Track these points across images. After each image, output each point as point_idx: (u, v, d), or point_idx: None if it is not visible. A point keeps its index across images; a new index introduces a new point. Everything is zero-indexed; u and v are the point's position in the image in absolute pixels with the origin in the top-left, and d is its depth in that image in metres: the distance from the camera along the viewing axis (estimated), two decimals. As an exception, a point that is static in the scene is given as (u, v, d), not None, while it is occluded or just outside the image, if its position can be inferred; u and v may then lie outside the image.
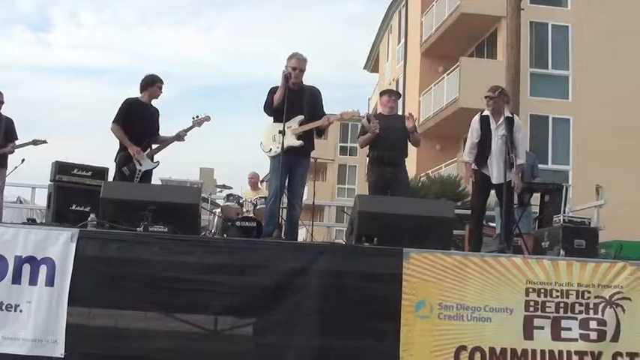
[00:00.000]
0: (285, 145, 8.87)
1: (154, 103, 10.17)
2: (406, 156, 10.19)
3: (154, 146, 10.03)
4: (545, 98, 23.97)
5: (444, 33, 27.20)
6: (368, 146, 10.24)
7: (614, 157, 22.13)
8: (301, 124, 9.20)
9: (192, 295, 7.09)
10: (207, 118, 10.12)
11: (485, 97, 9.79)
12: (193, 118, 10.08)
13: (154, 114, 10.20)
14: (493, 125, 9.71)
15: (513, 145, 9.49)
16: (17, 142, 11.06)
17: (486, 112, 9.87)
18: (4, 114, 11.06)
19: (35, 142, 11.14)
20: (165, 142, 10.11)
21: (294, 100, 9.08)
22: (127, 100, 9.95)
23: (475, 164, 9.90)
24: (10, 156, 11.15)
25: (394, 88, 28.95)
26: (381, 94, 10.69)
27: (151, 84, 10.07)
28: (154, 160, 10.01)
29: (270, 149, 9.20)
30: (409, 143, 10.19)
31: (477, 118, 9.94)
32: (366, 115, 10.14)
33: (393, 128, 9.94)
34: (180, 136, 10.10)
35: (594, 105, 23.12)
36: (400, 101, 17.87)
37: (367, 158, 10.38)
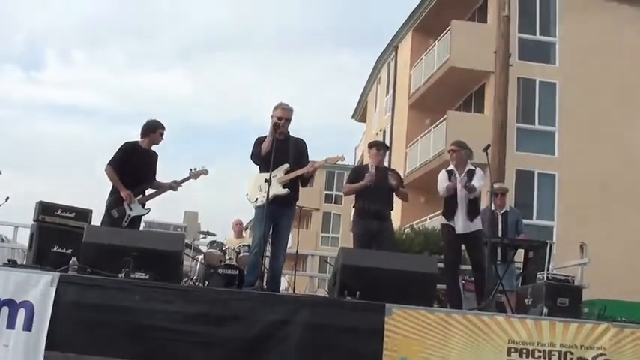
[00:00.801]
0: (271, 194, 8.87)
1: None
2: (392, 209, 10.20)
3: (148, 192, 10.00)
4: (531, 154, 24.02)
5: (432, 85, 27.32)
6: (354, 197, 10.26)
7: (598, 214, 22.14)
8: (287, 172, 9.19)
9: (171, 344, 7.01)
10: (205, 172, 10.14)
11: (449, 152, 10.17)
12: (191, 170, 10.14)
13: (152, 159, 10.18)
14: (458, 178, 10.04)
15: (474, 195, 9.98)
16: None
17: (451, 167, 10.28)
18: None
19: None
20: (158, 191, 10.11)
21: (279, 149, 9.08)
22: (126, 144, 9.97)
23: (444, 218, 10.08)
24: None
25: (381, 139, 29.14)
26: (370, 146, 10.68)
27: (153, 130, 10.07)
28: (145, 207, 9.96)
29: (257, 199, 9.18)
30: (395, 196, 10.21)
31: (443, 172, 10.38)
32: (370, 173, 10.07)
33: (381, 181, 9.93)
34: (173, 187, 10.12)
35: (580, 161, 23.18)
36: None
37: (353, 209, 10.39)
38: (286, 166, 9.22)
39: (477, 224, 9.98)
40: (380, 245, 9.61)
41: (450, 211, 10.02)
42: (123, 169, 9.78)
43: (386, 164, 10.84)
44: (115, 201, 9.75)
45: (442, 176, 10.23)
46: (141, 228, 10.47)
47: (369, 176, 9.89)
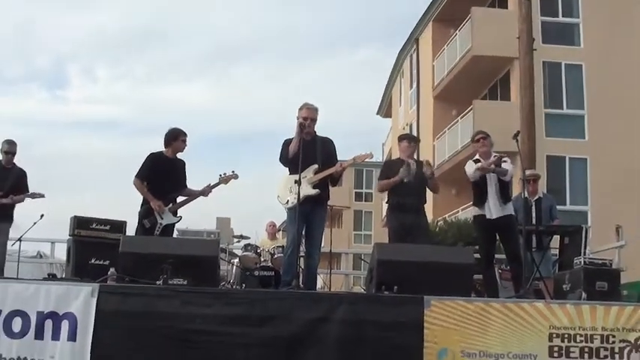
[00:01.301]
0: (302, 195, 8.88)
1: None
2: (425, 202, 10.18)
3: (179, 200, 10.09)
4: (561, 139, 23.83)
5: (456, 76, 27.22)
6: (387, 192, 10.25)
7: (632, 195, 21.96)
8: (316, 172, 9.21)
9: (212, 347, 7.06)
10: (235, 176, 10.14)
11: (477, 140, 10.14)
12: (220, 175, 10.12)
13: (179, 167, 10.21)
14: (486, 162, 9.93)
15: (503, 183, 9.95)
16: (16, 196, 10.85)
17: (476, 157, 10.19)
18: (18, 165, 11.08)
19: (32, 196, 10.97)
20: (189, 198, 10.15)
21: (307, 149, 9.09)
22: (151, 154, 10.02)
23: (475, 207, 10.04)
24: (20, 211, 11.13)
25: (409, 133, 29.01)
26: (400, 139, 10.62)
27: (175, 138, 10.08)
28: (177, 215, 10.03)
29: (288, 201, 9.20)
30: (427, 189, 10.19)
31: (470, 162, 10.24)
32: (410, 163, 10.03)
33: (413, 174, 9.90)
34: (204, 192, 10.15)
35: (611, 143, 22.98)
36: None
37: (386, 205, 10.38)
38: (315, 166, 9.22)
39: (509, 209, 9.92)
40: (415, 239, 9.59)
41: (480, 199, 9.96)
42: (150, 180, 9.85)
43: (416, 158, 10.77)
44: (145, 211, 9.81)
45: (469, 163, 10.17)
46: (174, 236, 10.54)
47: (405, 171, 9.84)
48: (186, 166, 10.27)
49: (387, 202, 10.32)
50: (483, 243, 10.12)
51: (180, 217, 10.08)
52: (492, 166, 9.78)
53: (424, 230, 10.08)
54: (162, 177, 9.88)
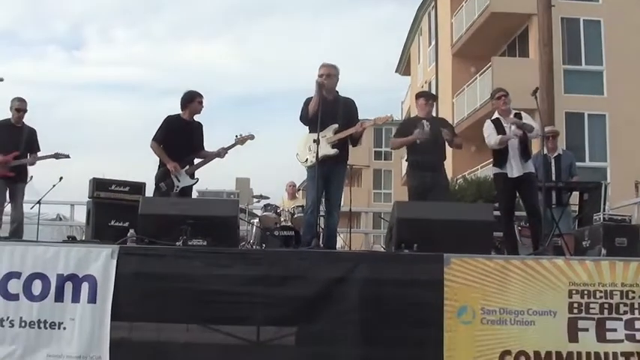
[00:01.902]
0: (321, 155, 8.87)
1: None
2: (445, 159, 10.15)
3: (195, 162, 10.09)
4: (580, 95, 23.74)
5: (474, 33, 27.09)
6: (407, 150, 10.23)
7: (652, 151, 21.86)
8: (336, 132, 9.18)
9: (233, 307, 7.09)
10: (251, 137, 10.10)
11: (498, 98, 10.07)
12: (236, 136, 10.07)
13: (196, 129, 10.20)
14: (505, 124, 9.83)
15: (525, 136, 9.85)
16: (39, 154, 10.89)
17: (496, 116, 10.05)
18: (27, 124, 10.94)
19: (57, 156, 10.85)
20: (205, 159, 10.15)
21: (328, 109, 9.05)
22: (167, 117, 10.02)
23: (496, 167, 9.99)
24: (38, 173, 11.15)
25: (426, 90, 28.91)
26: (417, 96, 10.56)
27: (191, 100, 10.06)
28: (194, 177, 10.04)
29: (307, 159, 9.20)
30: (447, 146, 10.14)
31: (488, 122, 10.16)
32: (424, 124, 9.97)
33: (432, 132, 9.83)
34: (220, 154, 10.11)
35: (630, 99, 22.86)
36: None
37: (406, 162, 10.36)
38: (335, 126, 9.20)
39: (530, 166, 9.88)
40: (435, 197, 9.57)
41: (501, 158, 9.89)
42: (167, 143, 9.85)
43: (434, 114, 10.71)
44: (162, 174, 9.83)
45: (489, 126, 10.06)
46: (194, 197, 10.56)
47: (420, 133, 9.78)
48: (204, 128, 10.26)
49: (406, 160, 10.30)
50: (503, 200, 10.08)
51: (197, 179, 10.08)
52: (516, 130, 9.72)
53: (444, 188, 10.06)
54: (179, 139, 9.87)
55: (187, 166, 9.94)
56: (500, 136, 9.81)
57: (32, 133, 10.89)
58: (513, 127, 9.78)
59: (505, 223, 10.00)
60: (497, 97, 10.13)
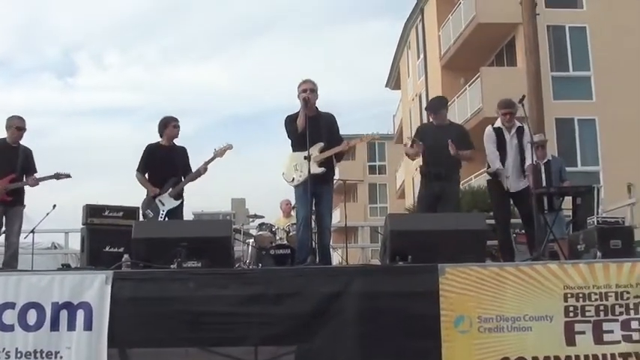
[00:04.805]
0: (308, 174, 8.92)
1: (182, 141, 10.41)
2: (459, 166, 10.18)
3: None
4: (569, 101, 23.89)
5: (462, 44, 27.26)
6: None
7: (642, 152, 21.95)
8: (321, 151, 9.20)
9: (230, 327, 7.08)
10: (229, 147, 10.25)
11: (505, 114, 9.95)
12: (215, 149, 10.23)
13: (178, 154, 10.37)
14: (507, 136, 9.82)
15: (524, 154, 9.90)
16: (38, 176, 10.40)
17: (498, 124, 10.03)
18: (22, 144, 10.46)
19: (58, 176, 10.42)
20: (187, 179, 10.29)
21: (312, 126, 9.06)
22: (147, 146, 10.30)
23: (491, 175, 10.01)
24: (31, 202, 10.89)
25: (417, 104, 29.01)
26: (426, 108, 10.88)
27: (165, 126, 10.31)
28: (179, 198, 10.19)
29: (293, 179, 9.24)
30: None
31: (489, 129, 10.14)
32: (410, 140, 10.00)
33: (442, 141, 9.80)
34: (200, 171, 10.28)
35: (619, 102, 22.98)
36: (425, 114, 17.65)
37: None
38: (321, 144, 9.22)
39: (527, 181, 9.89)
40: (443, 207, 9.62)
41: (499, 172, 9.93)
42: (150, 171, 10.19)
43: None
44: (147, 202, 10.12)
45: (490, 135, 10.09)
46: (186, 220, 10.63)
47: (414, 149, 10.00)
48: (196, 149, 10.52)
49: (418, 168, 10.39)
50: (499, 208, 10.10)
51: (182, 200, 10.25)
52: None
53: (451, 198, 10.03)
54: (160, 166, 10.16)
55: (170, 189, 10.10)
56: (497, 167, 9.94)
57: (28, 154, 10.45)
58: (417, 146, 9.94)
59: (501, 231, 10.02)
60: (503, 114, 10.11)
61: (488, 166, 10.18)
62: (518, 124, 10.04)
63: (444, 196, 9.85)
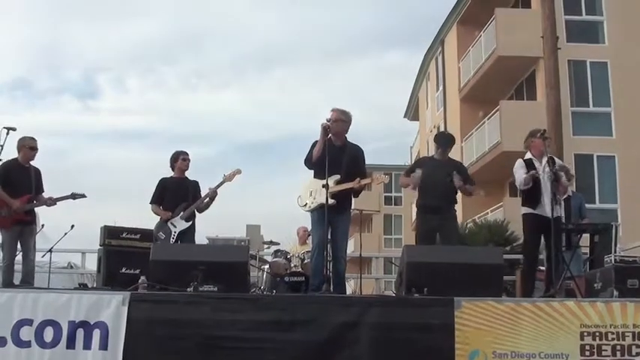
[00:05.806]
0: (319, 202, 8.99)
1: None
2: (455, 202, 10.12)
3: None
4: (589, 137, 23.73)
5: (481, 77, 27.17)
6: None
7: (662, 192, 21.81)
8: (337, 183, 9.19)
9: (244, 353, 7.08)
10: (238, 171, 10.65)
11: (544, 139, 9.82)
12: (224, 174, 10.63)
13: (187, 184, 10.76)
14: (539, 166, 9.71)
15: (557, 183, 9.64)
16: (56, 196, 10.40)
17: (528, 156, 9.89)
18: (32, 164, 10.46)
19: (74, 196, 10.44)
20: (197, 202, 10.60)
21: (334, 156, 9.05)
22: (160, 180, 10.75)
23: (526, 206, 9.87)
24: (49, 222, 10.96)
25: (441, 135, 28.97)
26: (435, 139, 10.86)
27: (175, 160, 10.75)
28: (189, 220, 10.52)
29: (306, 204, 9.26)
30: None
31: (520, 161, 9.93)
32: (386, 177, 10.02)
33: (441, 176, 9.84)
34: (209, 195, 10.64)
35: (638, 140, 22.86)
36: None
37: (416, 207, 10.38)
38: (337, 177, 9.17)
39: (560, 210, 9.78)
40: (443, 239, 9.58)
41: (533, 199, 9.75)
42: (165, 202, 10.57)
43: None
44: (159, 225, 10.46)
45: (520, 165, 9.91)
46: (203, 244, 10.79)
47: (412, 179, 9.99)
48: (199, 185, 10.85)
49: (415, 204, 10.31)
50: (531, 242, 9.96)
51: (193, 222, 10.59)
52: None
53: (451, 231, 10.03)
54: (172, 198, 10.56)
55: (181, 212, 10.45)
56: (532, 172, 9.68)
57: (39, 174, 10.51)
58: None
59: (528, 264, 9.94)
60: (541, 137, 9.94)
61: (527, 201, 9.95)
62: (549, 153, 9.88)
63: (443, 231, 9.86)
